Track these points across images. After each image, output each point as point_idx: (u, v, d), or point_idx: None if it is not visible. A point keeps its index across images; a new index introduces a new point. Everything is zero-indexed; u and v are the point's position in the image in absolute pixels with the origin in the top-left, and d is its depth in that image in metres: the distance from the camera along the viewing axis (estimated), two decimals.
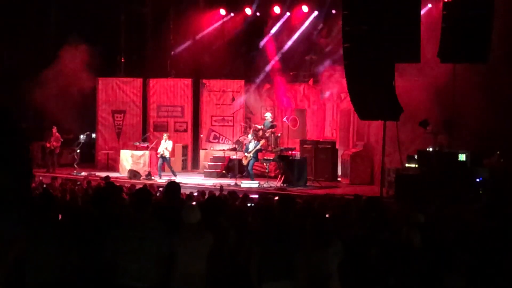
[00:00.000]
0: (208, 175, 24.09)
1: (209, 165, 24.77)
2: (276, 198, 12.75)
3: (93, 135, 26.95)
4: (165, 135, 23.52)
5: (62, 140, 24.81)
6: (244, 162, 22.70)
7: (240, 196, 13.58)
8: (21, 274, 7.04)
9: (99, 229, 7.26)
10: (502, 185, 16.57)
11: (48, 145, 24.64)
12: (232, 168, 23.90)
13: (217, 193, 14.99)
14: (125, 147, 25.41)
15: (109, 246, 6.99)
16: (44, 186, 15.98)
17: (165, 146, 23.04)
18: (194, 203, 10.10)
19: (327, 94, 25.47)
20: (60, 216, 8.34)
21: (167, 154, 23.12)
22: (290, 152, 22.92)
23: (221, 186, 17.88)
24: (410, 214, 8.71)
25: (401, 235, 8.02)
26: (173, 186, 8.86)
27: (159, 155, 23.20)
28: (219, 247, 7.56)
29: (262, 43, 26.95)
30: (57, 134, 24.71)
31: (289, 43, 26.50)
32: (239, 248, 7.90)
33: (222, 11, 27.17)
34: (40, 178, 19.31)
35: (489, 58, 16.63)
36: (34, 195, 12.03)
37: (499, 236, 8.17)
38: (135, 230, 6.98)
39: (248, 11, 26.88)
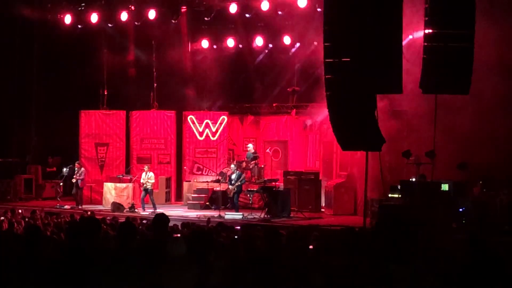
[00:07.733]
0: (192, 207, 24.03)
1: (192, 197, 24.72)
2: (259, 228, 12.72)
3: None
4: (146, 167, 23.56)
5: (85, 172, 24.74)
6: (230, 193, 22.65)
7: (226, 228, 13.53)
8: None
9: (83, 264, 7.18)
10: (485, 214, 16.66)
11: (74, 180, 24.40)
12: (215, 199, 23.85)
13: (204, 225, 14.92)
14: (109, 179, 25.28)
15: (92, 281, 6.91)
16: (26, 219, 15.82)
17: (147, 178, 23.05)
18: (179, 235, 10.01)
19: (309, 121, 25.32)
20: (43, 251, 8.26)
21: (149, 186, 23.12)
22: (273, 183, 22.92)
23: (208, 219, 17.79)
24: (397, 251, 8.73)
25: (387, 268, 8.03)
26: (162, 218, 8.38)
27: (142, 188, 23.20)
28: (205, 281, 7.46)
29: (244, 75, 27.03)
30: (81, 168, 24.60)
31: (272, 74, 26.61)
32: (226, 283, 7.82)
33: (205, 43, 27.22)
34: (20, 211, 19.16)
35: (469, 89, 16.72)
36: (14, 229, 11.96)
37: (483, 267, 8.19)
38: (118, 264, 6.92)
39: (230, 43, 26.96)
